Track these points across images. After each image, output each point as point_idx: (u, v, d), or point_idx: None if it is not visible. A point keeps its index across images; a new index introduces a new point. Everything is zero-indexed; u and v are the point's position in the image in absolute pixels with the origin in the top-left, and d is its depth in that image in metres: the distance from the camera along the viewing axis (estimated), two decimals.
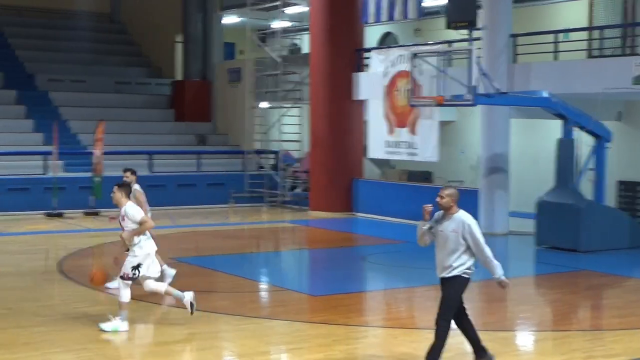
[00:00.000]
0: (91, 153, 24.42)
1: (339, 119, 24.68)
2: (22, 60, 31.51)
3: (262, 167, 28.49)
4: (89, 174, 24.16)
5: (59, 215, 23.30)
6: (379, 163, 27.08)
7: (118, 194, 10.96)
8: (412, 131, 22.42)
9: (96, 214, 23.87)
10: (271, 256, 18.85)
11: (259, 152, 28.72)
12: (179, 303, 11.11)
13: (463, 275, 8.70)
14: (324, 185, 24.78)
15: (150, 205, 13.37)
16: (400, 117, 22.86)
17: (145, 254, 10.88)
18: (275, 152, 28.45)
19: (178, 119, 30.88)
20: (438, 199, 8.70)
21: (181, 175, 26.89)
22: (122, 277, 10.80)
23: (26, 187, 24.14)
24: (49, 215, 23.56)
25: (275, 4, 27.65)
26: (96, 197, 23.88)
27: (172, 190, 26.17)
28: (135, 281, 10.90)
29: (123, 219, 10.91)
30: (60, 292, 13.38)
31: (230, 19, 31.65)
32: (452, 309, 8.72)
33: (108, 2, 36.80)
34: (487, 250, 8.68)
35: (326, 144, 24.68)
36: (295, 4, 28.08)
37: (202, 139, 29.76)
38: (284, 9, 27.75)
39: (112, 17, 36.73)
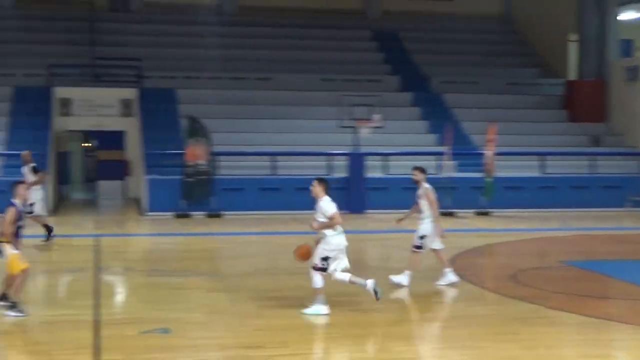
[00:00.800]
0: (483, 154, 24.62)
1: None
2: (418, 64, 32.66)
3: None
4: (480, 175, 24.38)
5: (451, 214, 23.71)
6: None
7: (318, 188, 11.44)
8: None
9: (487, 213, 24.03)
10: None
11: None
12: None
13: None
14: None
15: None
16: None
17: (333, 248, 11.30)
18: None
19: (571, 120, 30.15)
20: None
21: (574, 177, 26.19)
22: (313, 268, 11.34)
23: None
24: (442, 214, 24.11)
25: None
26: (487, 197, 24.06)
27: (563, 192, 25.59)
28: (325, 272, 11.30)
29: (318, 209, 11.39)
30: (450, 289, 13.57)
31: (627, 14, 30.24)
32: None
33: (500, 3, 36.92)
34: None
35: None
36: None
37: (596, 140, 28.73)
38: None
39: (504, 18, 36.77)
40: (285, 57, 31.84)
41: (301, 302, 11.98)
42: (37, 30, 31.46)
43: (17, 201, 11.56)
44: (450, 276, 13.41)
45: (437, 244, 13.39)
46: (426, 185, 13.47)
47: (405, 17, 35.03)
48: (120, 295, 13.47)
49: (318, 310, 11.29)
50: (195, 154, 23.87)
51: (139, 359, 9.36)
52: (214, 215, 23.64)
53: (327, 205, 11.38)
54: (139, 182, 26.45)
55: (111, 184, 29.12)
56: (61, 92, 28.16)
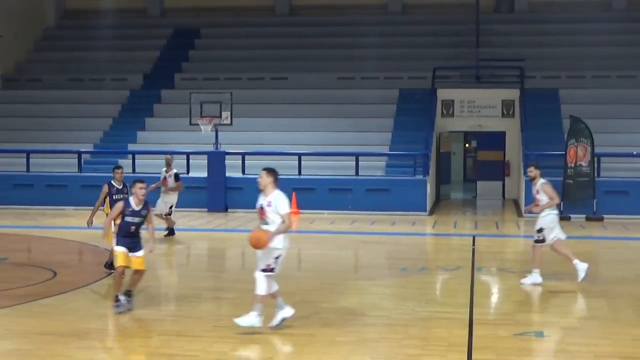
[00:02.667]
0: None
1: None
2: None
3: None
4: None
5: None
6: None
7: (266, 179, 10.32)
8: None
9: None
10: None
11: None
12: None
13: None
14: None
15: None
16: None
17: (285, 245, 10.28)
18: None
19: None
20: None
21: None
22: (264, 270, 10.21)
23: None
24: None
25: None
26: None
27: None
28: (273, 272, 10.25)
29: (269, 205, 10.22)
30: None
31: None
32: None
33: None
34: None
35: None
36: None
37: None
38: None
39: None
40: None
41: None
42: (423, 34, 32.52)
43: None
44: (536, 277, 13.50)
45: (558, 234, 13.76)
46: (541, 180, 13.64)
47: None
48: (494, 296, 13.49)
49: (253, 323, 10.23)
50: (577, 155, 23.24)
51: None
52: (594, 218, 22.84)
53: (281, 201, 10.23)
54: (518, 183, 26.32)
55: (490, 184, 29.25)
56: (444, 93, 28.86)
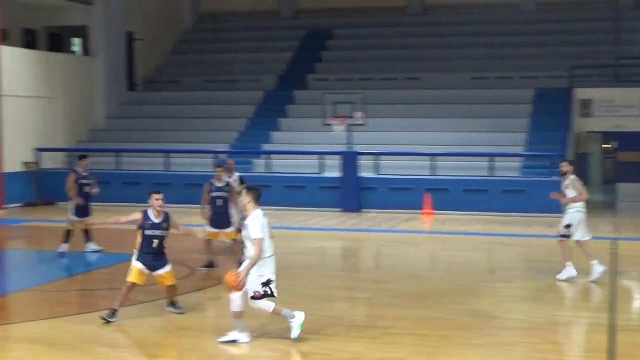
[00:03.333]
0: None
1: None
2: None
3: None
4: None
5: None
6: None
7: (244, 199, 9.73)
8: None
9: None
10: None
11: None
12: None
13: None
14: None
15: None
16: None
17: (271, 270, 9.61)
18: None
19: None
20: None
21: None
22: (254, 297, 9.54)
23: None
24: None
25: None
26: None
27: None
28: (270, 298, 9.60)
29: (245, 228, 9.59)
30: None
31: None
32: None
33: None
34: None
35: None
36: None
37: None
38: None
39: None
40: None
41: None
42: (558, 32, 31.77)
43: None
44: (570, 270, 13.68)
45: (579, 235, 13.74)
46: (572, 176, 13.70)
47: None
48: (636, 301, 13.03)
49: (237, 339, 9.77)
50: None
51: None
52: None
53: (253, 225, 9.48)
54: None
55: (632, 186, 28.27)
56: (581, 93, 28.09)
